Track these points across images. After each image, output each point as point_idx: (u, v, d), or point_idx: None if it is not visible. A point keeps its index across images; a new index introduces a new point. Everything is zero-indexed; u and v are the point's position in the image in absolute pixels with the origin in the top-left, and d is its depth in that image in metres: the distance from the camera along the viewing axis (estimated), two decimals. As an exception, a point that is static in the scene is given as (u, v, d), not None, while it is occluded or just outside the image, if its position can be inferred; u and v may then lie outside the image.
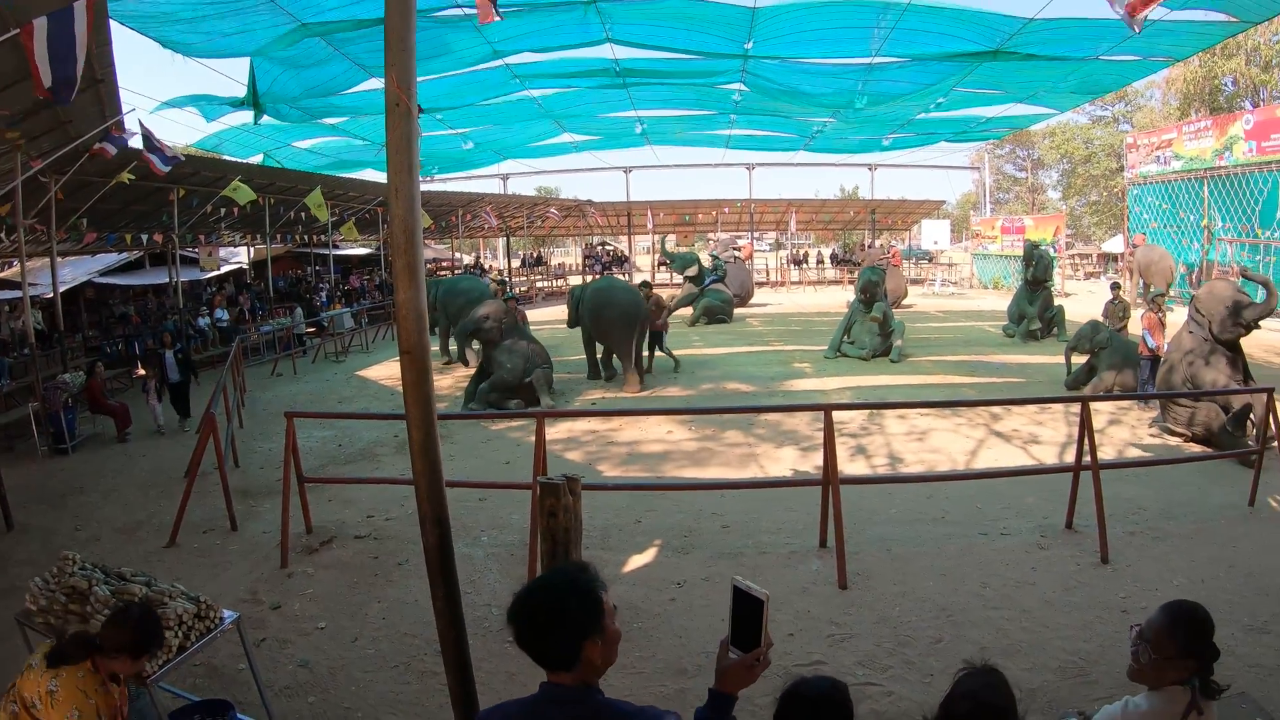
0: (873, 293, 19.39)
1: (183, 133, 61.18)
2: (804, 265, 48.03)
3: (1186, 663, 2.88)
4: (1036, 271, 22.13)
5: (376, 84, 15.09)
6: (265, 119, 16.81)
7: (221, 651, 5.76)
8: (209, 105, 16.61)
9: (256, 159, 23.64)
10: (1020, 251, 27.22)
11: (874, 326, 19.05)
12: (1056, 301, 22.99)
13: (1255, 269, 26.67)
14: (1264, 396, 9.43)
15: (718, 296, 27.75)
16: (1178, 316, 12.51)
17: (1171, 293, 28.55)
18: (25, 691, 3.41)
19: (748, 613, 2.37)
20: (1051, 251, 37.70)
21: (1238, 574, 7.22)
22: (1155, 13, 12.74)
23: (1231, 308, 11.46)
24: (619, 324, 15.80)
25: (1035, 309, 22.12)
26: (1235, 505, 9.01)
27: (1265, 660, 5.66)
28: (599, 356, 16.87)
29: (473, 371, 15.19)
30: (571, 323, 16.99)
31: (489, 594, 6.99)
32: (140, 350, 18.97)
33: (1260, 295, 11.83)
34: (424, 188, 34.78)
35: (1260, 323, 11.67)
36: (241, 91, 14.42)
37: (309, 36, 12.50)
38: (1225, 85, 50.69)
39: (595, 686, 2.32)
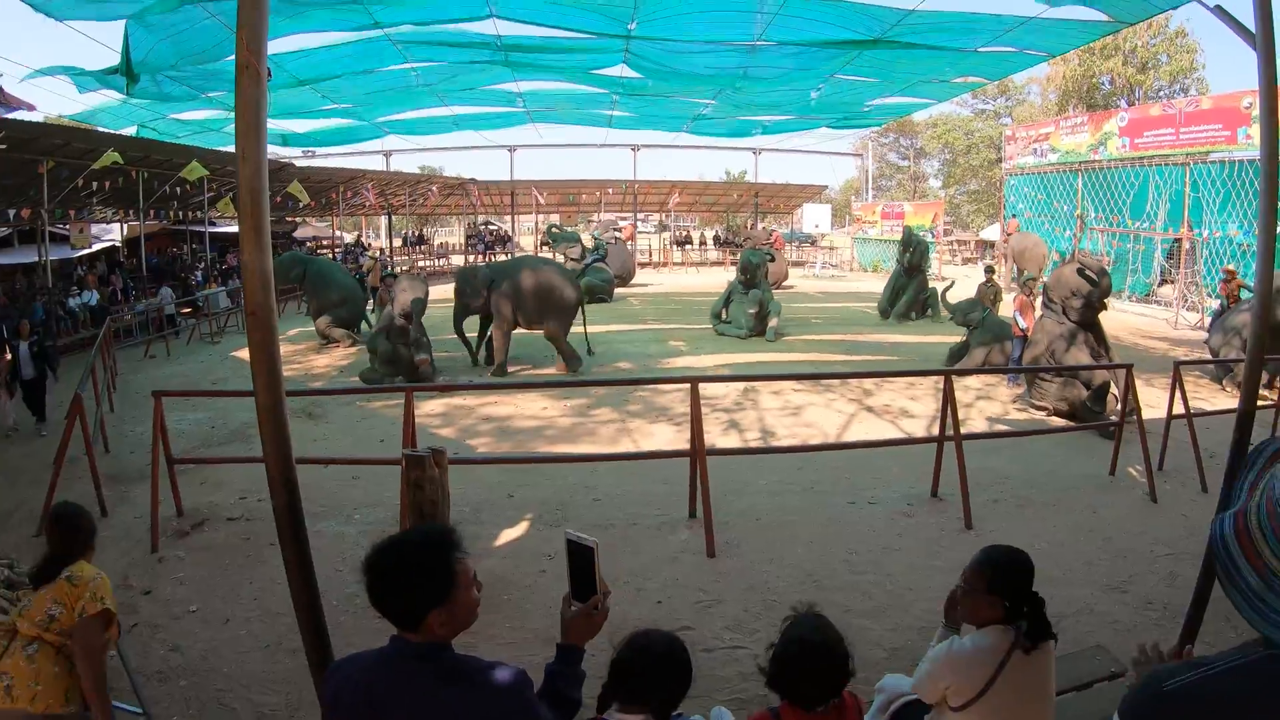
0: (753, 274, 19.71)
1: (57, 103, 58.62)
2: (687, 247, 48.41)
3: (994, 599, 3.04)
4: (913, 257, 22.81)
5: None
6: (141, 88, 16.22)
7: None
8: (81, 76, 15.92)
9: (130, 130, 22.77)
10: (899, 236, 28.00)
11: (751, 306, 19.40)
12: (932, 285, 23.67)
13: (1108, 253, 28.12)
14: (1123, 372, 9.92)
15: (599, 276, 27.97)
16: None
17: (1044, 278, 29.71)
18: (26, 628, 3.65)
19: (583, 564, 2.42)
20: (929, 237, 38.96)
21: (1097, 538, 7.66)
22: (1034, 9, 13.20)
23: (1075, 291, 12.21)
24: (565, 308, 15.77)
25: (910, 293, 22.87)
26: (1096, 475, 9.54)
27: (1122, 617, 6.06)
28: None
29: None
30: (474, 309, 16.23)
31: (360, 572, 6.93)
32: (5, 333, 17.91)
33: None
34: (303, 163, 34.22)
35: (1106, 301, 12.44)
36: (115, 59, 13.87)
37: (187, 2, 12.10)
38: (1103, 84, 52.75)
39: (446, 644, 2.32)
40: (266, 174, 3.34)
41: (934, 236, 40.50)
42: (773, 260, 20.06)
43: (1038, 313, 14.13)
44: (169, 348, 19.82)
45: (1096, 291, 12.20)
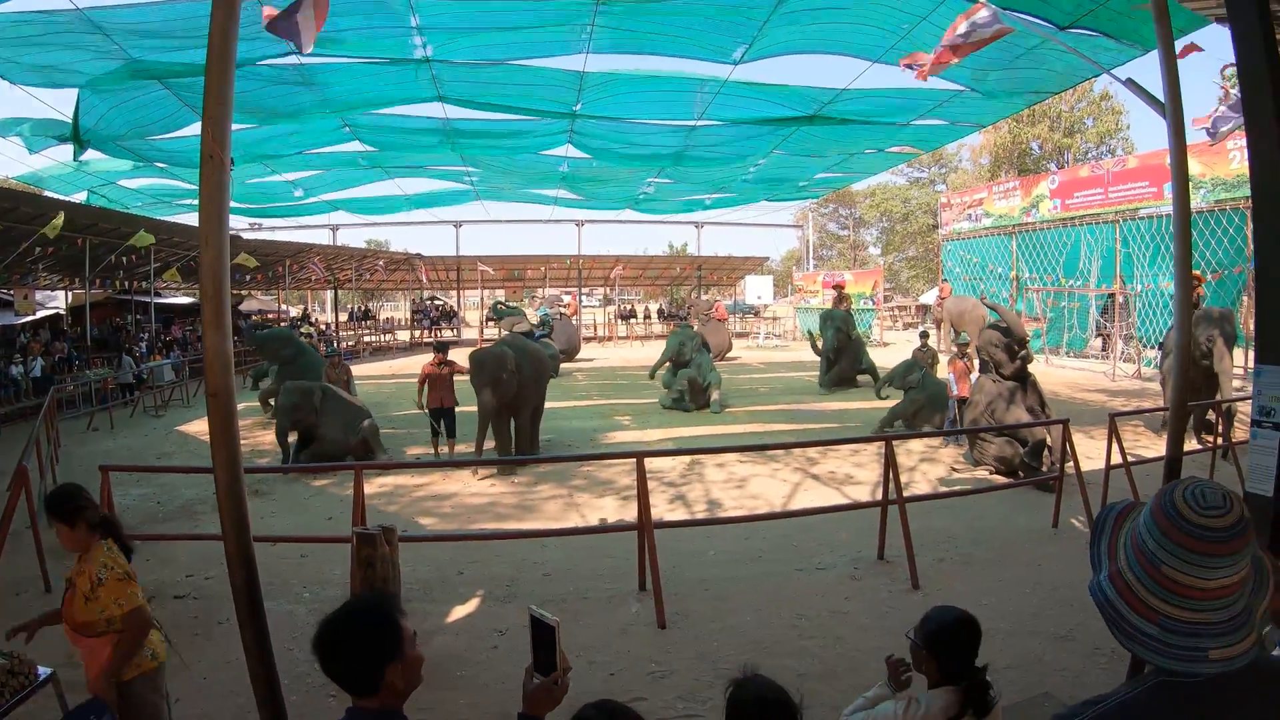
0: (681, 355, 19.88)
1: (4, 164, 57.85)
2: (632, 320, 48.67)
3: (929, 658, 3.18)
4: (831, 340, 23.13)
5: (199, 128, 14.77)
6: (91, 155, 16.16)
7: (40, 715, 5.51)
8: (32, 136, 15.82)
9: (80, 196, 22.59)
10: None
11: (679, 385, 19.55)
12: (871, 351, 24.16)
13: (1049, 312, 28.89)
14: (1059, 428, 10.31)
15: (545, 352, 27.74)
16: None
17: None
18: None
19: (545, 639, 2.49)
20: (870, 304, 39.63)
21: (1043, 589, 7.85)
22: (962, 86, 13.75)
23: (998, 345, 12.76)
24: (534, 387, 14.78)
25: (843, 361, 23.16)
26: (1039, 528, 9.83)
27: (1070, 664, 6.20)
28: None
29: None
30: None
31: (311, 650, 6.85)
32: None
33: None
34: (251, 236, 34.12)
35: (1028, 350, 12.96)
36: (66, 126, 13.84)
37: (140, 76, 12.16)
38: (1032, 149, 54.39)
39: (399, 711, 2.40)
40: (228, 259, 3.43)
41: (875, 303, 41.20)
42: (692, 341, 20.03)
43: (975, 375, 14.57)
44: (112, 420, 19.44)
45: (1015, 336, 12.77)
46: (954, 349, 15.22)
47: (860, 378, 23.53)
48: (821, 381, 23.15)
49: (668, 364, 20.60)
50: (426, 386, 14.18)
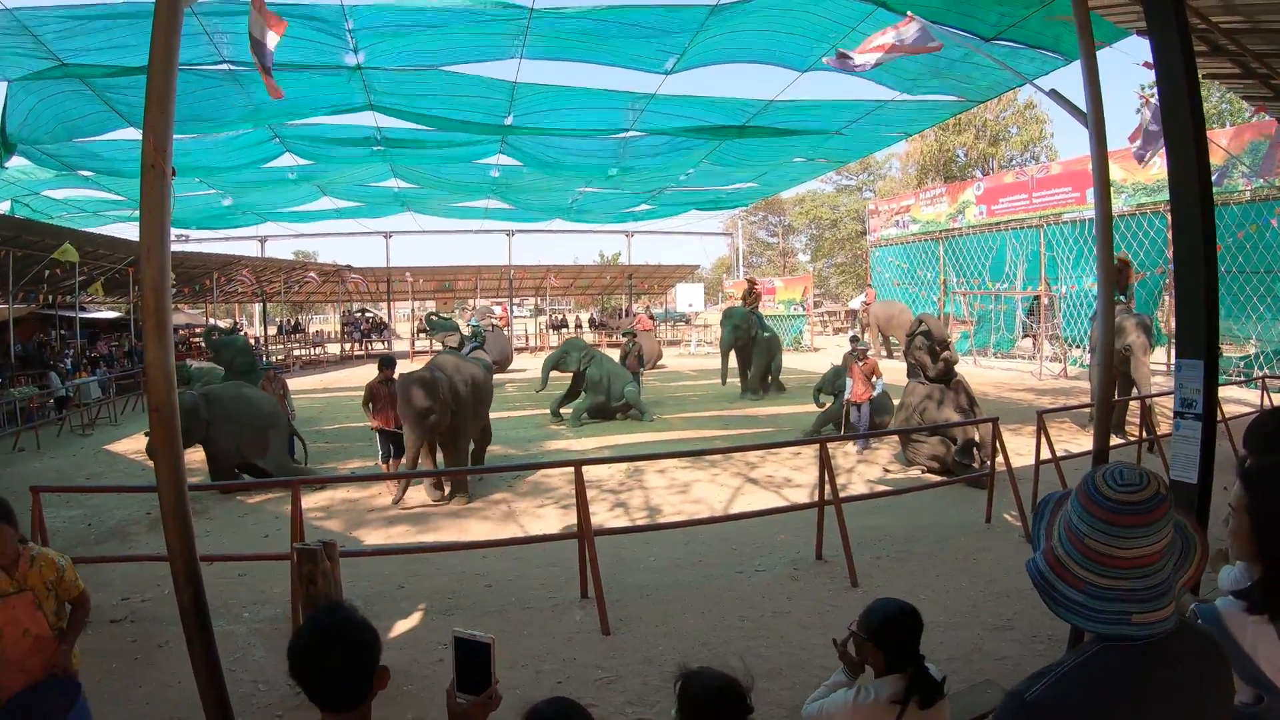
0: (565, 366, 19.81)
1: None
2: (563, 330, 48.63)
3: (873, 649, 3.29)
4: (723, 342, 23.30)
5: (133, 134, 14.46)
6: (15, 163, 15.78)
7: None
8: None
9: (4, 207, 21.98)
10: (777, 311, 28.75)
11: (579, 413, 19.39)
12: (789, 354, 24.24)
13: (971, 315, 29.53)
14: (990, 426, 10.56)
15: (479, 364, 27.48)
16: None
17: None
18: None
19: (474, 658, 2.49)
20: (800, 310, 40.05)
21: (979, 581, 8.06)
22: (889, 94, 13.99)
23: (921, 347, 13.25)
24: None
25: (758, 365, 23.11)
26: (973, 523, 10.08)
27: (1010, 652, 6.41)
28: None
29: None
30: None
31: (255, 670, 6.73)
32: None
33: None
34: (178, 248, 33.50)
35: (946, 349, 13.16)
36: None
37: (69, 76, 11.93)
38: (958, 156, 55.40)
39: None
40: (169, 272, 3.41)
41: (805, 309, 41.65)
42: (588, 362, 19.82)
43: (879, 381, 15.08)
44: (39, 439, 18.95)
45: (934, 339, 13.15)
46: (853, 353, 15.35)
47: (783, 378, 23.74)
48: (744, 389, 23.09)
49: (555, 377, 20.28)
50: (372, 406, 13.34)
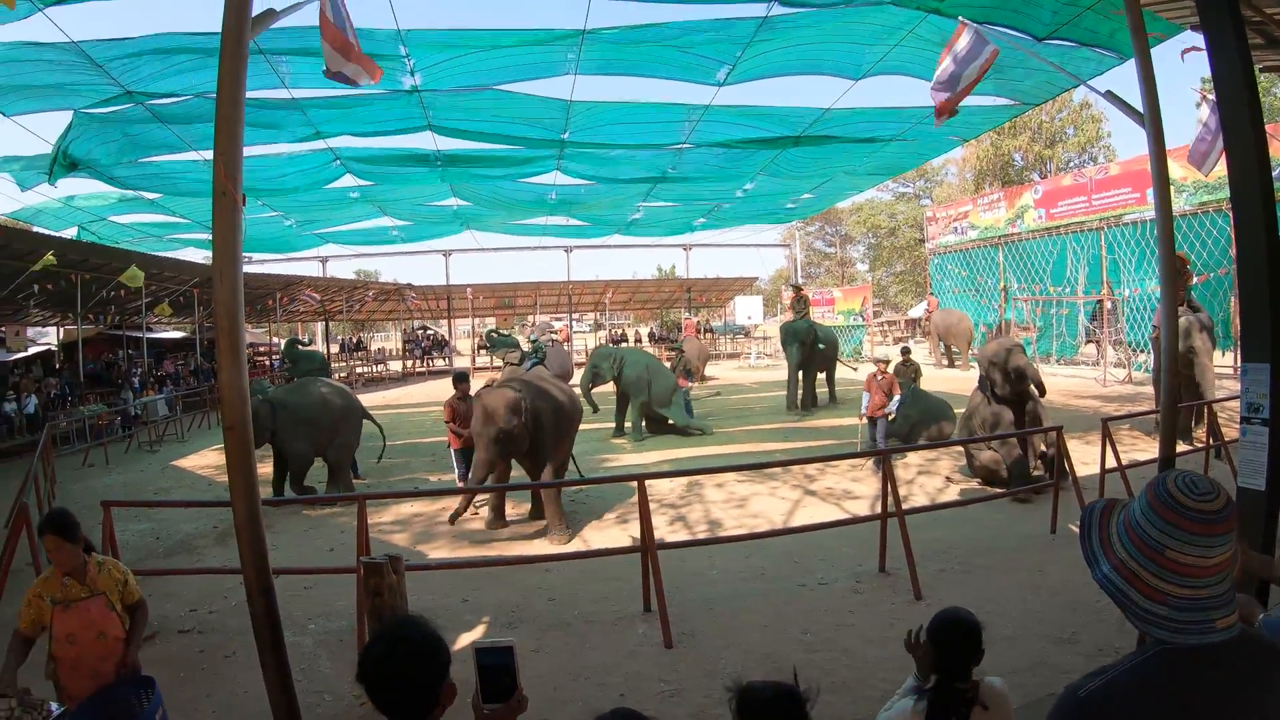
0: (599, 379, 19.64)
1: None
2: (623, 344, 48.58)
3: (931, 651, 3.30)
4: (791, 361, 22.51)
5: (193, 155, 14.80)
6: (79, 187, 16.23)
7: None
8: (23, 172, 15.81)
9: (71, 232, 22.57)
10: (837, 321, 28.45)
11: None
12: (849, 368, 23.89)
13: (1038, 321, 29.01)
14: (1054, 434, 10.45)
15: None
16: (978, 374, 13.32)
17: (973, 351, 30.63)
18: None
19: (498, 667, 2.49)
20: (860, 320, 39.75)
21: (1044, 594, 7.93)
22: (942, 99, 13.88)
23: (1000, 365, 12.28)
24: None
25: (812, 378, 22.91)
26: (1038, 534, 9.93)
27: (1075, 666, 6.18)
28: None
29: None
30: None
31: (321, 682, 6.84)
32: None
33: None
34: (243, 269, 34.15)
35: (1030, 377, 12.20)
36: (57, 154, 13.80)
37: (132, 104, 12.24)
38: (1015, 160, 54.65)
39: None
40: (242, 294, 3.51)
41: (864, 319, 41.33)
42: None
43: (896, 395, 14.54)
44: (108, 455, 19.43)
45: (1029, 369, 12.28)
46: (944, 362, 15.02)
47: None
48: (798, 404, 22.42)
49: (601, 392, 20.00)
50: (452, 425, 12.92)
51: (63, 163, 13.86)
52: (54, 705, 4.70)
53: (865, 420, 14.83)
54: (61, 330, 31.63)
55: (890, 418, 14.45)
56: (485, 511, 11.97)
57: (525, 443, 11.25)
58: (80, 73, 11.08)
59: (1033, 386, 12.17)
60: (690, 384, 21.68)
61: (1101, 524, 2.04)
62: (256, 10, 3.66)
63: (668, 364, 21.11)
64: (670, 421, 19.41)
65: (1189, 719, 1.79)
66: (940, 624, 3.30)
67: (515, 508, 12.58)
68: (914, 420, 15.47)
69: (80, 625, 4.42)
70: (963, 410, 13.60)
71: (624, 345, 21.09)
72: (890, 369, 15.06)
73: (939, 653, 3.27)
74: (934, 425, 15.32)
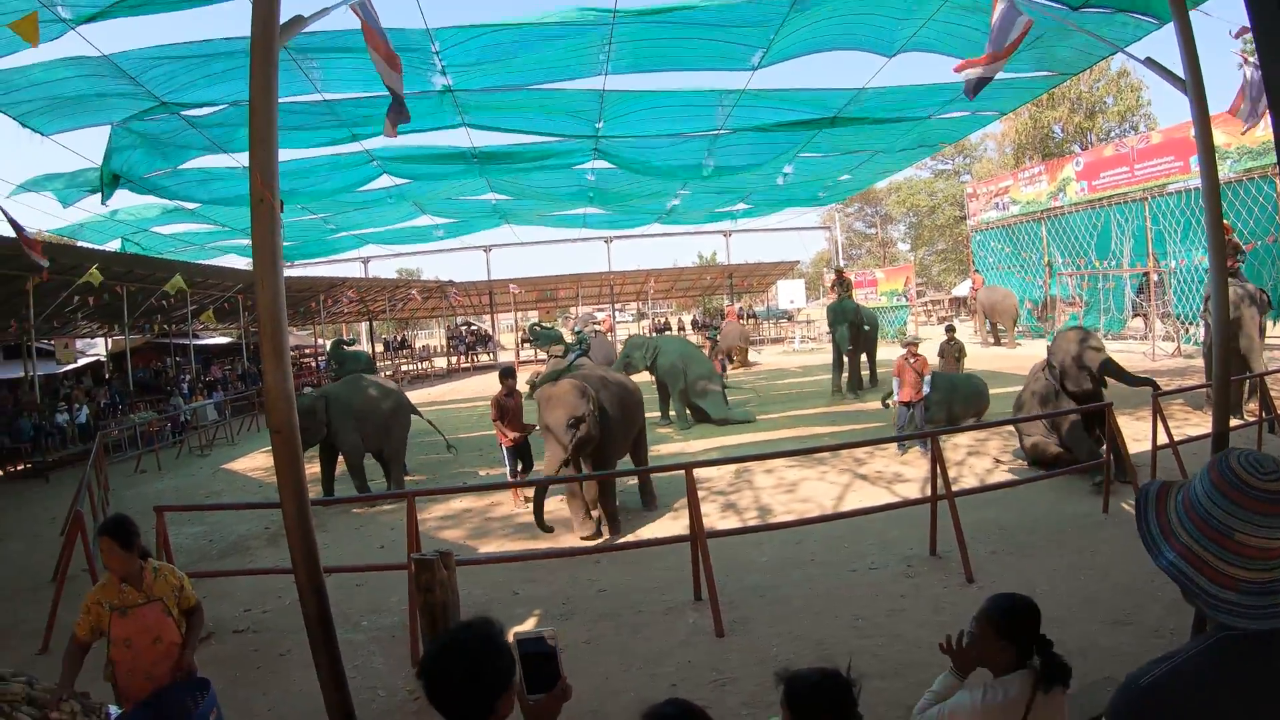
0: (632, 368, 19.59)
1: (39, 218, 58.99)
2: (667, 333, 48.55)
3: (1005, 644, 3.20)
4: (840, 341, 22.26)
5: (227, 160, 14.93)
6: (122, 202, 16.40)
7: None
8: (65, 190, 16.04)
9: (114, 245, 22.92)
10: (880, 303, 28.21)
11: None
12: (890, 346, 23.69)
13: (1085, 295, 28.55)
14: (1105, 411, 10.17)
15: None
16: (1026, 352, 13.08)
17: (1019, 328, 30.24)
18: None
19: (539, 656, 2.49)
20: (904, 300, 39.42)
21: (1096, 575, 7.83)
22: (977, 73, 13.66)
23: (1073, 357, 11.68)
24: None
25: (857, 361, 22.71)
26: (1089, 514, 9.79)
27: (1127, 648, 6.16)
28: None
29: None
30: None
31: (374, 677, 6.93)
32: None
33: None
34: (284, 273, 34.54)
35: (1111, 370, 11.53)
36: (97, 172, 13.98)
37: (167, 114, 12.37)
38: (1055, 132, 53.85)
39: None
40: (284, 299, 3.53)
41: (908, 299, 41.01)
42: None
43: (928, 377, 14.35)
44: (159, 461, 19.78)
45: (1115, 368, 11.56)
46: (990, 340, 14.74)
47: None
48: (843, 387, 22.27)
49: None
50: (500, 421, 12.73)
51: (109, 181, 14.05)
52: (112, 709, 4.80)
53: (898, 404, 14.65)
54: (110, 341, 32.14)
55: (924, 401, 14.32)
56: (576, 524, 11.08)
57: (596, 433, 10.73)
58: (114, 85, 11.19)
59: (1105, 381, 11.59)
60: (726, 370, 21.59)
61: (1159, 507, 1.98)
62: (284, 18, 3.67)
63: (705, 350, 20.99)
64: (711, 415, 19.29)
65: (1255, 706, 1.73)
66: (1020, 608, 3.26)
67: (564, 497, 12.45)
68: (947, 404, 15.16)
69: (137, 630, 4.53)
70: (1016, 389, 13.32)
71: (666, 334, 20.94)
72: (936, 349, 14.88)
73: (1027, 636, 3.23)
74: (975, 404, 15.13)
